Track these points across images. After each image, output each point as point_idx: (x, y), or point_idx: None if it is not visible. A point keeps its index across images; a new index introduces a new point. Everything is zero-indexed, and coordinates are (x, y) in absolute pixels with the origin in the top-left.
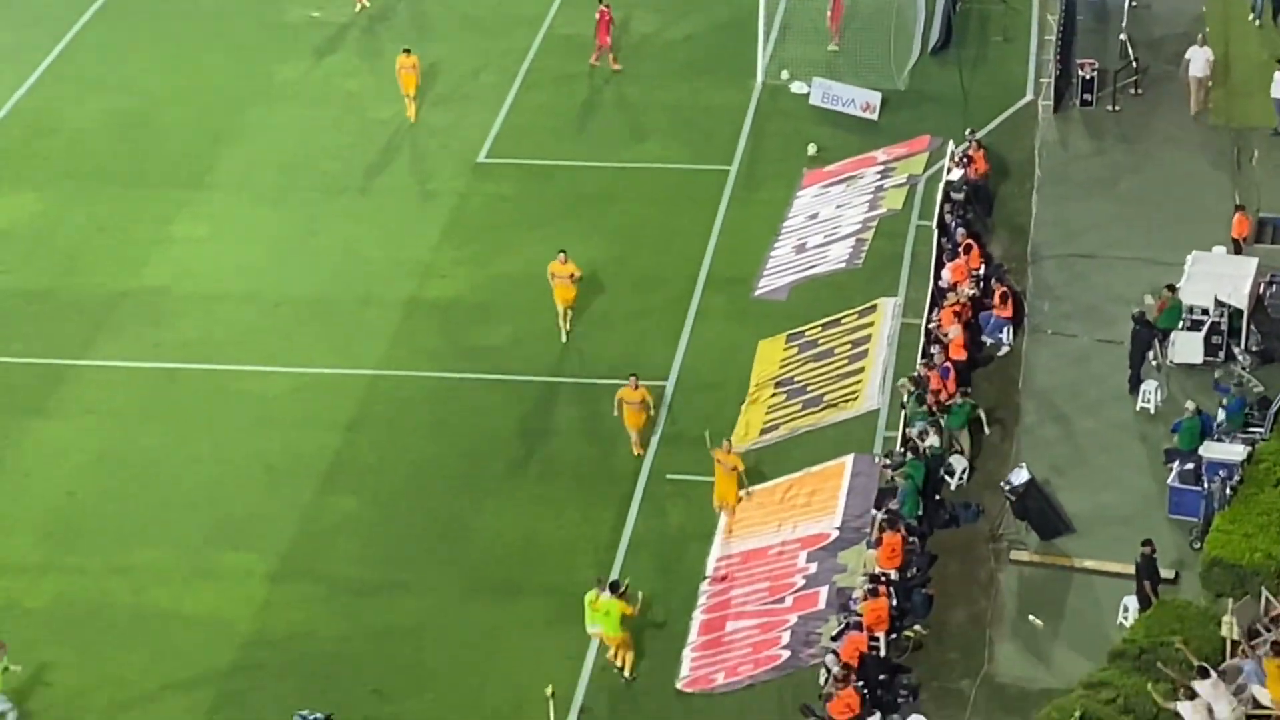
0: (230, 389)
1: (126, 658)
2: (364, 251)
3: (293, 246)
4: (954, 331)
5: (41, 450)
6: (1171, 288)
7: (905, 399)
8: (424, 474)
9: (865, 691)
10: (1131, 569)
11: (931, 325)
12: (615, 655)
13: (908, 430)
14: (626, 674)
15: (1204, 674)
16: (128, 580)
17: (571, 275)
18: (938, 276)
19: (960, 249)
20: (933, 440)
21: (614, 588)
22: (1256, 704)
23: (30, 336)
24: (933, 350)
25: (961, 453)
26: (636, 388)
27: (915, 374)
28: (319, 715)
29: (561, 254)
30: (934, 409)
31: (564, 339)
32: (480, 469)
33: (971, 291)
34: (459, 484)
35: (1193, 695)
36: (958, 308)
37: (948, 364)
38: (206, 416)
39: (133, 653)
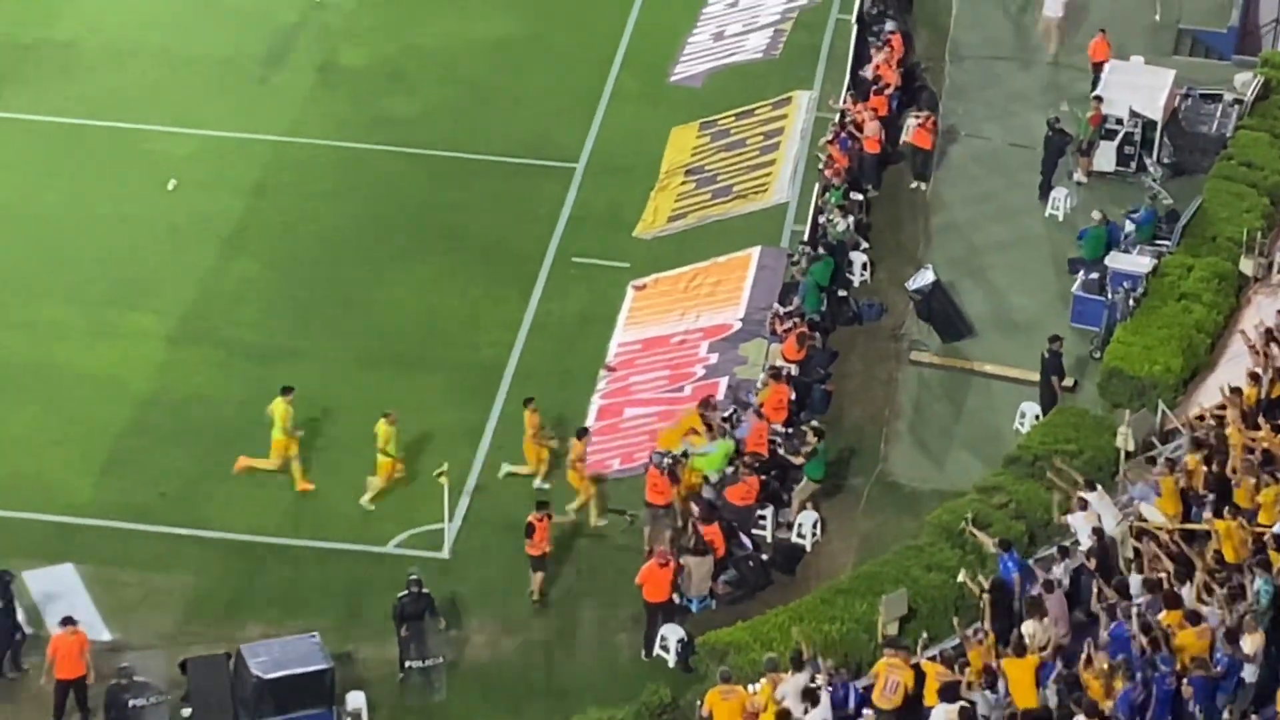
0: (137, 147)
1: (22, 412)
2: (277, 14)
3: (204, 4)
4: (870, 129)
5: None
6: (1099, 99)
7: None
8: (328, 242)
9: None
10: (1030, 375)
11: (847, 108)
12: None
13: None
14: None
15: (1090, 486)
16: (27, 335)
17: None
18: (855, 70)
19: (886, 43)
20: (839, 225)
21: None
22: (1141, 518)
23: None
24: (843, 134)
25: (862, 250)
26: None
27: (826, 155)
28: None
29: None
30: (843, 184)
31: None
32: (384, 241)
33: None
34: (362, 254)
35: (1084, 506)
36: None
37: (845, 135)
38: (112, 174)
39: (28, 407)
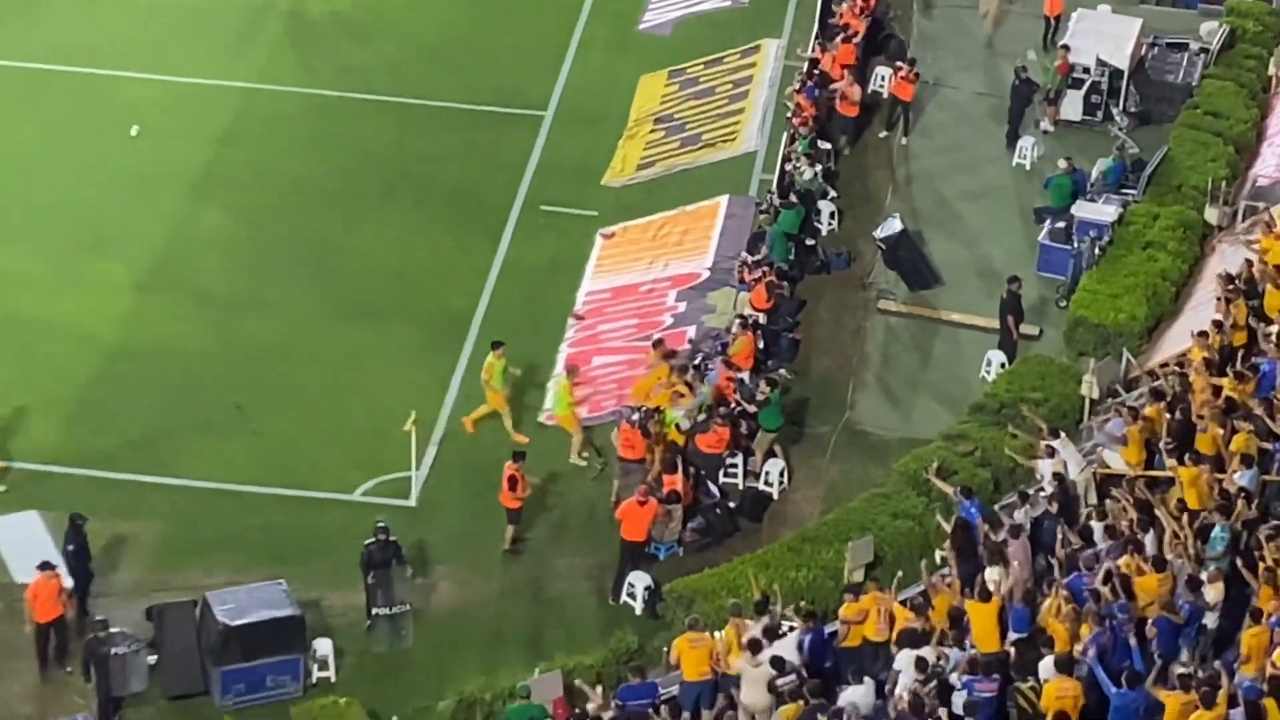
0: (104, 95)
1: None
2: None
3: None
4: (855, 94)
5: None
6: (1066, 47)
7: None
8: (296, 192)
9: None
10: (997, 324)
11: (816, 56)
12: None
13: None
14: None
15: (1054, 434)
16: None
17: None
18: (823, 18)
19: None
20: (806, 173)
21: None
22: (1104, 465)
23: None
24: (810, 83)
25: (830, 199)
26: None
27: (793, 104)
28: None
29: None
30: (811, 133)
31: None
32: (354, 190)
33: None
34: (332, 204)
35: (1052, 453)
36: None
37: (812, 84)
38: (78, 122)
39: None
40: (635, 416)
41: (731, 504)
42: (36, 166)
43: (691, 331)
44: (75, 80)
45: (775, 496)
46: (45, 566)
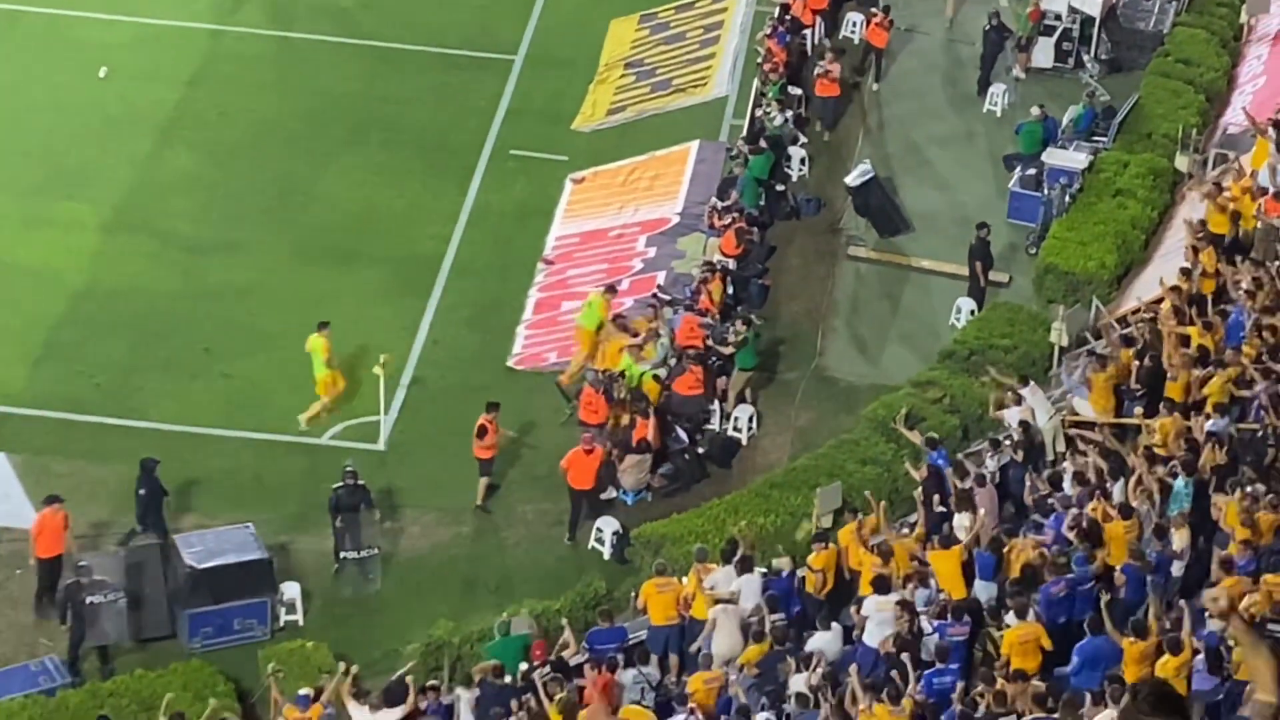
0: (71, 36)
1: None
2: None
3: None
4: (837, 71)
5: None
6: None
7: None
8: (264, 134)
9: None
10: (966, 271)
11: (786, 1)
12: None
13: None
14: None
15: (1024, 381)
16: None
17: None
18: None
19: None
20: (777, 119)
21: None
22: (1074, 412)
23: None
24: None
25: (800, 145)
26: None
27: (764, 49)
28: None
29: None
30: (781, 79)
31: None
32: (322, 133)
33: None
34: (300, 147)
35: (1018, 401)
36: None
37: (782, 28)
38: (45, 62)
39: None
40: (600, 379)
41: (700, 450)
42: (3, 107)
43: (661, 277)
44: (43, 21)
45: (744, 442)
46: (51, 500)
